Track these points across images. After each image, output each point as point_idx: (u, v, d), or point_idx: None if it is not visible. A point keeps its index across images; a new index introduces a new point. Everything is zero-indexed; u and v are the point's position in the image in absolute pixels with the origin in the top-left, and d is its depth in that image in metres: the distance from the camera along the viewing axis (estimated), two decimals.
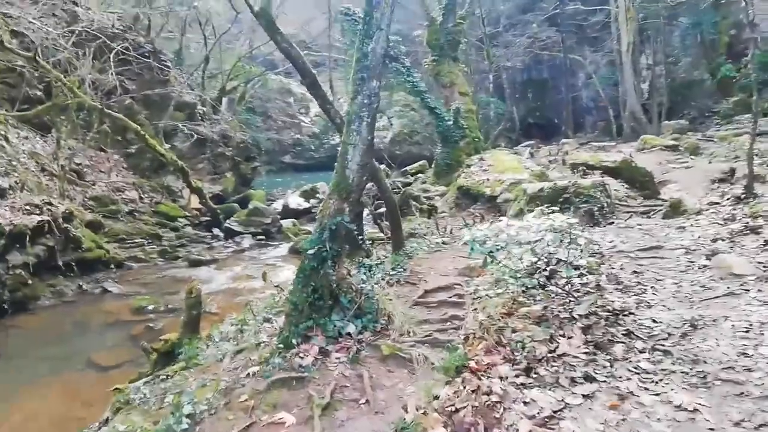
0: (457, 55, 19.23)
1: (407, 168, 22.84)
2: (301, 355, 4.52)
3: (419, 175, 20.59)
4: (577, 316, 4.33)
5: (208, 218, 16.41)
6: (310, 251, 4.93)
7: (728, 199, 8.70)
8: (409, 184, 18.77)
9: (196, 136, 19.34)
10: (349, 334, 4.83)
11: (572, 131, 33.21)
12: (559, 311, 4.50)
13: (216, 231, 15.93)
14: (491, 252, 4.64)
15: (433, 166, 18.57)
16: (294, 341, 4.65)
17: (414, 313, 5.47)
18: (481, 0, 26.27)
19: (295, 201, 19.47)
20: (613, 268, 5.92)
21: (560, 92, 35.08)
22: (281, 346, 4.63)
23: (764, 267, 5.41)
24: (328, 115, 7.93)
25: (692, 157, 16.72)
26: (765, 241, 6.10)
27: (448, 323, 5.18)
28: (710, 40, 26.60)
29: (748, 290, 4.91)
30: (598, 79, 32.40)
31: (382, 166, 23.18)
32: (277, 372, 4.33)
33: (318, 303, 4.87)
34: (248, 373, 4.46)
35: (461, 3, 19.99)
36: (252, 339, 5.47)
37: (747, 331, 4.11)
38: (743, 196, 8.34)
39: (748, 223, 6.97)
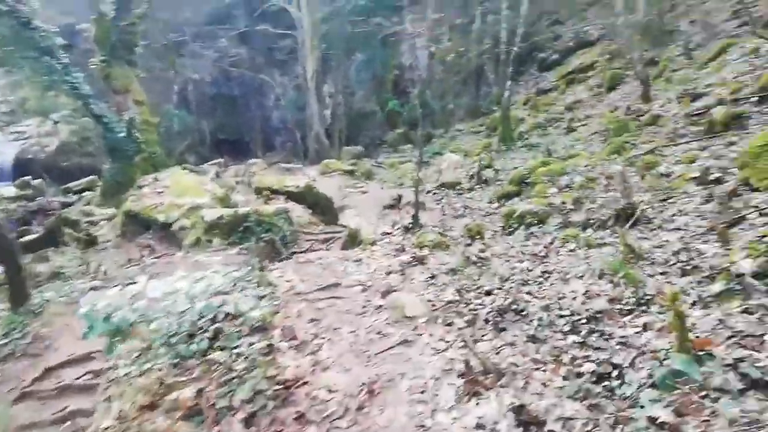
0: (133, 58, 16.87)
1: (71, 184, 19.04)
2: None
3: (86, 193, 17.31)
4: (238, 403, 3.31)
5: None
6: None
7: (398, 228, 9.02)
8: (71, 204, 15.60)
9: None
10: None
11: (263, 151, 33.20)
12: (218, 395, 3.43)
13: None
14: (119, 329, 3.31)
15: (101, 184, 15.81)
16: None
17: (15, 413, 3.73)
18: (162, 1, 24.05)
19: None
20: (289, 316, 5.16)
21: (251, 110, 34.83)
22: None
23: (433, 305, 5.31)
24: None
25: (367, 181, 17.90)
26: (431, 275, 6.15)
27: (67, 426, 3.62)
28: (380, 77, 29.61)
29: (421, 335, 4.67)
30: (286, 102, 33.19)
31: (37, 181, 19.19)
32: None
33: None
34: None
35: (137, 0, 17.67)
36: None
37: (423, 392, 3.70)
38: (410, 225, 8.71)
39: (415, 253, 7.10)
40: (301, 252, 8.43)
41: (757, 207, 5.59)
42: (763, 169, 5.96)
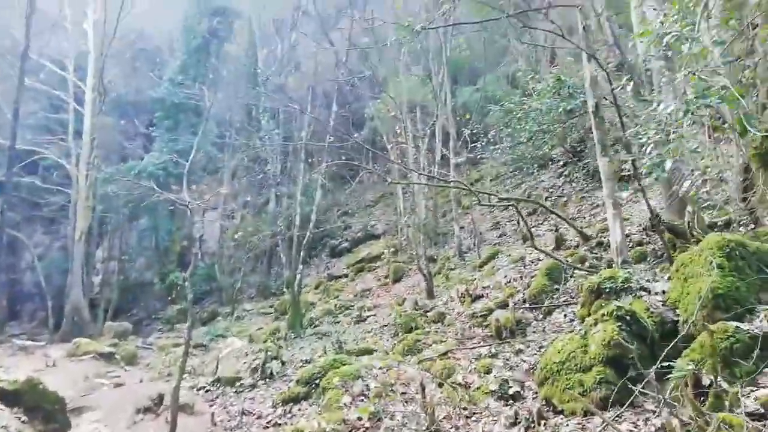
0: None
1: None
2: None
3: None
4: None
5: None
6: None
7: None
8: None
9: None
10: None
11: (2, 320, 26.82)
12: None
13: None
14: None
15: None
16: None
17: None
18: None
19: None
20: None
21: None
22: None
23: None
24: None
25: (128, 367, 14.74)
26: None
27: None
28: (165, 246, 27.13)
29: None
30: (46, 264, 28.27)
31: None
32: None
33: None
34: None
35: None
36: None
37: None
38: None
39: None
40: None
41: None
42: (564, 388, 5.50)
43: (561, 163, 19.38)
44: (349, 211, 28.24)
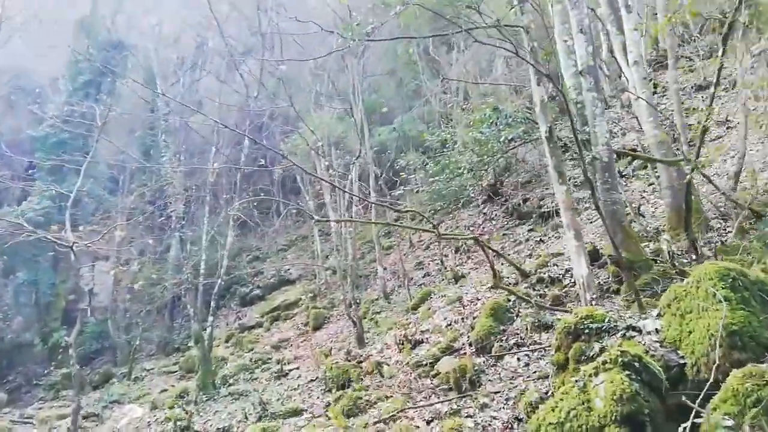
0: None
1: None
2: None
3: None
4: None
5: None
6: None
7: None
8: None
9: None
10: None
11: None
12: None
13: None
14: None
15: None
16: None
17: None
18: None
19: None
20: None
21: None
22: None
23: None
24: None
25: None
26: None
27: None
28: (46, 302, 23.57)
29: None
30: None
31: None
32: None
33: None
34: None
35: None
36: None
37: None
38: None
39: None
40: None
41: None
42: None
43: (480, 201, 19.14)
44: (260, 256, 26.32)
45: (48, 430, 13.25)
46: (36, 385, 21.73)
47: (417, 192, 20.43)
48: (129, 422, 10.86)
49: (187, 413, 10.66)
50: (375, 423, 7.19)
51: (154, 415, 11.72)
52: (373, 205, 17.62)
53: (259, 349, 17.08)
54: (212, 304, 13.99)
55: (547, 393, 6.07)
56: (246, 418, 10.35)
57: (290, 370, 13.97)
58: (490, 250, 11.03)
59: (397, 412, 7.28)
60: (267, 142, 24.57)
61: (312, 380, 11.92)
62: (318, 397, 10.68)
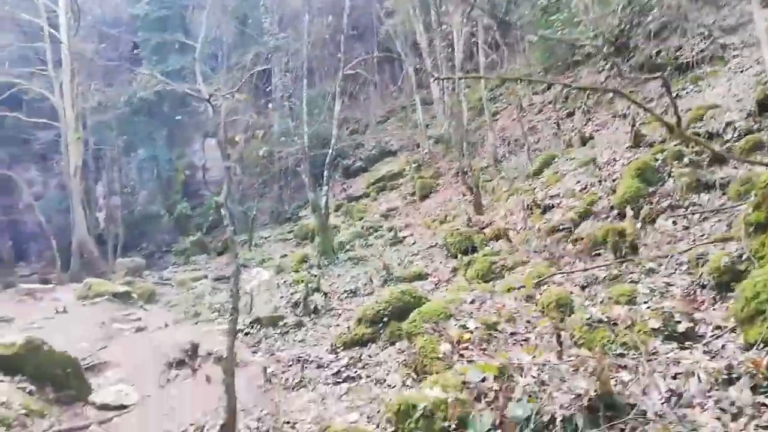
0: None
1: None
2: None
3: None
4: None
5: None
6: None
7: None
8: None
9: None
10: None
11: (10, 262, 24.99)
12: None
13: None
14: None
15: None
16: None
17: None
18: None
19: None
20: None
21: None
22: None
23: None
24: None
25: (146, 306, 13.05)
26: None
27: None
28: (167, 177, 24.92)
29: None
30: (45, 203, 26.14)
31: None
32: None
33: None
34: None
35: None
36: None
37: None
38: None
39: None
40: None
41: None
42: None
43: (601, 57, 16.88)
44: (359, 129, 25.80)
45: (187, 291, 14.23)
46: (167, 252, 23.73)
47: (524, 51, 18.48)
48: (258, 284, 11.21)
49: (315, 276, 10.84)
50: (520, 288, 6.65)
51: (281, 278, 12.09)
52: (482, 66, 16.05)
53: (369, 217, 17.10)
54: (325, 173, 13.81)
55: (740, 257, 5.12)
56: (371, 281, 10.35)
57: (404, 237, 13.84)
58: (634, 104, 9.54)
59: (546, 277, 6.69)
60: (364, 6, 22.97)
61: (431, 246, 11.65)
62: (441, 263, 10.41)
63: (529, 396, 4.26)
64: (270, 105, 22.03)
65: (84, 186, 22.65)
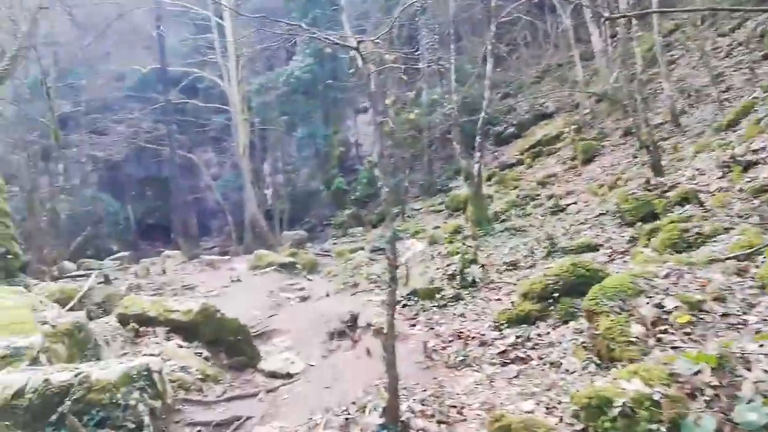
0: None
1: None
2: None
3: None
4: None
5: None
6: None
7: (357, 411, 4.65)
8: None
9: None
10: None
11: (196, 237, 28.24)
12: None
13: None
14: None
15: None
16: None
17: None
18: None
19: None
20: None
21: (184, 193, 30.21)
22: None
23: None
24: None
25: (309, 276, 13.64)
26: None
27: None
28: (324, 153, 25.99)
29: None
30: (222, 182, 29.01)
31: None
32: None
33: None
34: None
35: None
36: None
37: None
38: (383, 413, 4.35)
39: None
40: None
41: None
42: None
43: None
44: (511, 93, 24.34)
45: (345, 262, 14.57)
46: (326, 225, 24.86)
47: None
48: (413, 256, 10.95)
49: (471, 248, 10.28)
50: (726, 259, 5.41)
51: (434, 250, 11.72)
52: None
53: (524, 186, 15.98)
54: (477, 139, 13.02)
55: None
56: (532, 253, 9.50)
57: (566, 206, 12.62)
58: None
59: (761, 246, 5.36)
60: None
61: (600, 214, 10.37)
62: (614, 232, 9.17)
63: (765, 396, 3.31)
64: (419, 71, 21.59)
65: (252, 165, 24.57)
